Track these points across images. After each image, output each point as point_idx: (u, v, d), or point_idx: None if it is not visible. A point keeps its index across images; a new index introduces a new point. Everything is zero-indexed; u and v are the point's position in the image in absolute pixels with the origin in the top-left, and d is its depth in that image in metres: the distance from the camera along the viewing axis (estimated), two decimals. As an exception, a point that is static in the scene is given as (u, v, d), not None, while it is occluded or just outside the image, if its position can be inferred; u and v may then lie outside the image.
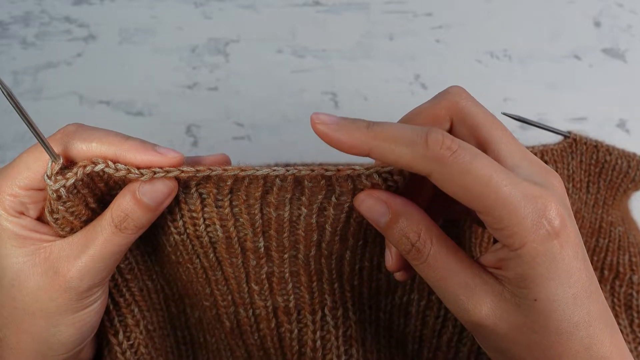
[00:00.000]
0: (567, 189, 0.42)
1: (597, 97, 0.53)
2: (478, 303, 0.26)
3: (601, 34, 0.55)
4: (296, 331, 0.33)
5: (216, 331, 0.36)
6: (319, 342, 0.33)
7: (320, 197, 0.28)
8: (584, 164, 0.41)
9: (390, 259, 0.30)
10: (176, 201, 0.29)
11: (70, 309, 0.29)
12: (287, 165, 0.49)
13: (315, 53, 0.54)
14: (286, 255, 0.31)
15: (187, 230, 0.30)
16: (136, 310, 0.34)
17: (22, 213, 0.28)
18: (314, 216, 0.29)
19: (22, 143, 0.51)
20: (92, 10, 0.56)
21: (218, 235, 0.30)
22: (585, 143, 0.40)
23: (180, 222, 0.30)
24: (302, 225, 0.30)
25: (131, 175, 0.27)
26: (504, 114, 0.39)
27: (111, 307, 0.33)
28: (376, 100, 0.53)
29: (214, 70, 0.54)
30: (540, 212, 0.24)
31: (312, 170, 0.27)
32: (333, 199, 0.28)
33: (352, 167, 0.27)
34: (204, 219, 0.30)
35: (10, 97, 0.26)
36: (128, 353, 0.33)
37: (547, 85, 0.54)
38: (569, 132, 0.41)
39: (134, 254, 0.34)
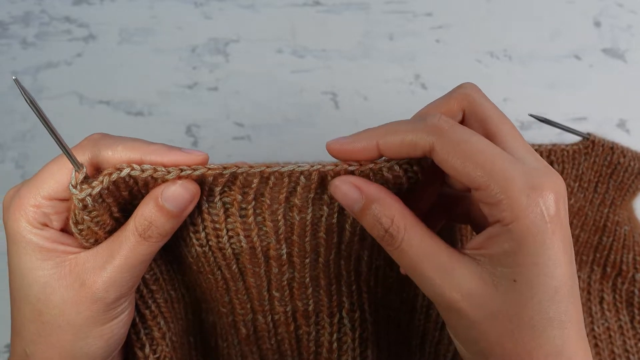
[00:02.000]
0: (573, 188, 0.42)
1: (597, 97, 0.53)
2: (453, 285, 0.25)
3: (601, 34, 0.55)
4: (314, 333, 0.33)
5: (229, 337, 0.36)
6: (335, 344, 0.33)
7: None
8: (597, 165, 0.41)
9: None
10: (199, 212, 0.29)
11: (98, 321, 0.28)
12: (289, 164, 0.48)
13: (315, 53, 0.54)
14: (307, 260, 0.31)
15: (210, 243, 0.30)
16: (162, 322, 0.33)
17: (45, 225, 0.28)
18: (335, 215, 0.29)
19: (23, 143, 0.51)
20: (92, 10, 0.56)
21: (242, 247, 0.30)
22: (603, 145, 0.41)
23: (203, 234, 0.30)
24: (324, 227, 0.30)
25: (158, 174, 0.27)
26: (530, 115, 0.39)
27: (137, 319, 0.32)
28: (376, 100, 0.53)
29: (214, 70, 0.54)
30: (538, 193, 0.24)
31: (336, 166, 0.27)
32: None
33: (374, 161, 0.27)
34: (227, 230, 0.29)
35: (34, 105, 0.26)
36: None
37: (547, 85, 0.54)
38: (589, 134, 0.41)
39: (158, 263, 0.33)
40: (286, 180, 0.27)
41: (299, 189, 0.28)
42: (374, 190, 0.27)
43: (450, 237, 0.36)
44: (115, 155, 0.28)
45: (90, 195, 0.26)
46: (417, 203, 0.29)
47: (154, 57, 0.54)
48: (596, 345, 0.43)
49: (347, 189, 0.27)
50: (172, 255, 0.33)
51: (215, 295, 0.34)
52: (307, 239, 0.30)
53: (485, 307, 0.25)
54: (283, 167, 0.27)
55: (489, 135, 0.27)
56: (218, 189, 0.28)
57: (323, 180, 0.28)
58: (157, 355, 0.32)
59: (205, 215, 0.29)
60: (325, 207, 0.29)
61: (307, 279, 0.32)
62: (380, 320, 0.36)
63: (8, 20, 0.55)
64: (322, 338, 0.34)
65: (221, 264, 0.31)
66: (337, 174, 0.27)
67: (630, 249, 0.43)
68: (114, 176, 0.27)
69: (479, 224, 0.30)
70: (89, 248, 0.28)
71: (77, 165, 0.27)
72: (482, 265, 0.25)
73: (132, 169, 0.27)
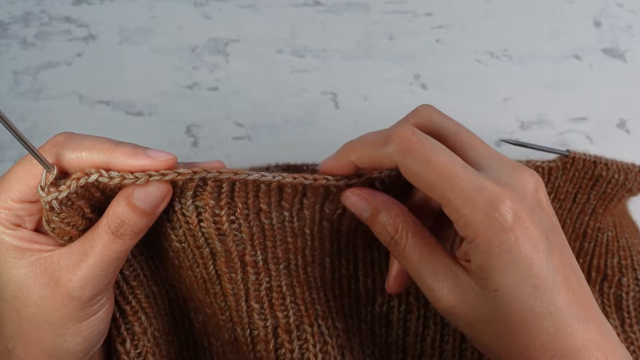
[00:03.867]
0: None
1: (597, 97, 0.53)
2: (447, 293, 0.27)
3: (601, 33, 0.55)
4: (297, 350, 0.33)
5: (219, 336, 0.36)
6: (319, 356, 0.33)
7: (296, 200, 0.30)
8: (576, 178, 0.41)
9: (390, 282, 0.32)
10: (173, 210, 0.29)
11: (75, 319, 0.28)
12: (287, 165, 0.49)
13: (315, 53, 0.54)
14: (281, 267, 0.32)
15: (188, 240, 0.30)
16: (143, 317, 0.33)
17: (18, 225, 0.28)
18: (295, 219, 0.31)
19: (22, 143, 0.51)
20: (92, 10, 0.56)
21: (217, 249, 0.30)
22: (584, 160, 0.40)
23: (181, 231, 0.30)
24: (288, 230, 0.31)
25: (126, 182, 0.27)
26: (502, 140, 0.40)
27: (118, 315, 0.32)
28: (376, 100, 0.53)
29: (214, 70, 0.54)
30: (492, 205, 0.26)
31: (295, 179, 0.29)
32: (304, 200, 0.30)
33: (326, 177, 0.29)
34: (202, 234, 0.30)
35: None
36: None
37: (547, 85, 0.54)
38: (568, 151, 0.41)
39: (139, 259, 0.33)
40: (250, 186, 0.28)
41: (260, 194, 0.29)
42: (380, 200, 0.29)
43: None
44: (80, 161, 0.28)
45: (56, 199, 0.26)
46: (423, 218, 0.31)
47: (154, 57, 0.54)
48: None
49: (356, 200, 0.30)
50: (155, 250, 0.33)
51: (199, 294, 0.34)
52: (277, 243, 0.31)
53: (477, 312, 0.27)
54: (249, 174, 0.28)
55: (449, 148, 0.28)
56: (190, 192, 0.28)
57: (281, 189, 0.29)
58: (138, 351, 0.32)
59: (180, 216, 0.29)
60: (285, 212, 0.30)
61: (284, 288, 0.32)
62: (351, 330, 0.36)
63: (8, 20, 0.55)
64: (306, 353, 0.33)
65: (199, 262, 0.31)
66: (294, 187, 0.29)
67: (615, 254, 0.43)
68: (82, 181, 0.26)
69: None
70: (64, 245, 0.29)
71: (47, 166, 0.26)
72: (471, 275, 0.27)
73: (100, 174, 0.27)
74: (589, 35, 0.55)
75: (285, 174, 0.29)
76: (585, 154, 0.40)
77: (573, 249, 0.44)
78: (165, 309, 0.35)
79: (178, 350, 0.37)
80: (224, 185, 0.28)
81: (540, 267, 0.26)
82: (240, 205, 0.29)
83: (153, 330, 0.33)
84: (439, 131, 0.30)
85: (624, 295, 0.43)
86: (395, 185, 0.31)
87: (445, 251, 0.29)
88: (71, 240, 0.29)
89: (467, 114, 0.53)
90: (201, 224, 0.29)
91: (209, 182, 0.28)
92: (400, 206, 0.29)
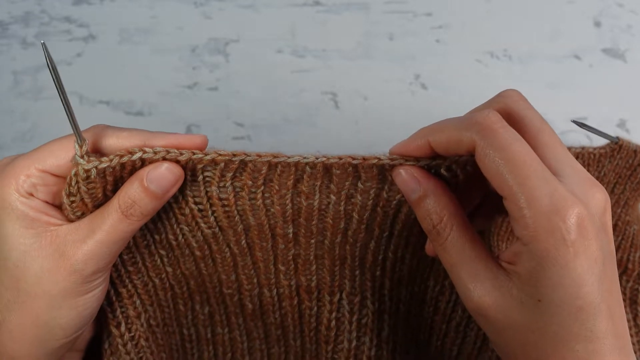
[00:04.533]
0: None
1: (597, 96, 0.53)
2: (484, 294, 0.26)
3: (601, 34, 0.55)
4: (315, 309, 0.35)
5: (233, 318, 0.37)
6: (333, 323, 0.35)
7: (347, 183, 0.30)
8: (618, 167, 0.41)
9: (429, 244, 0.31)
10: (208, 198, 0.30)
11: (73, 293, 0.29)
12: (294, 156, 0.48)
13: (315, 53, 0.54)
14: (313, 241, 0.33)
15: (220, 224, 0.32)
16: (138, 302, 0.34)
17: (31, 194, 0.29)
18: (342, 204, 0.30)
19: (23, 143, 0.51)
20: (92, 10, 0.56)
21: (250, 224, 0.32)
22: (629, 148, 0.40)
23: (212, 218, 0.31)
24: (331, 213, 0.31)
25: (170, 156, 0.28)
26: (574, 121, 0.38)
27: (114, 298, 0.33)
28: (376, 100, 0.53)
29: (214, 70, 0.54)
30: (560, 215, 0.24)
31: (340, 159, 0.28)
32: (359, 185, 0.29)
33: (378, 156, 0.28)
34: (237, 211, 0.31)
35: (55, 73, 0.27)
36: (129, 345, 0.33)
37: (547, 85, 0.54)
38: (618, 138, 0.41)
39: (142, 252, 0.34)
40: (293, 169, 0.29)
41: (305, 177, 0.29)
42: (432, 184, 0.28)
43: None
44: (118, 144, 0.29)
45: (96, 167, 0.27)
46: (471, 198, 0.30)
47: (154, 57, 0.54)
48: None
49: (408, 178, 0.28)
50: (164, 249, 0.34)
51: (221, 277, 0.35)
52: (313, 222, 0.31)
53: (511, 318, 0.26)
54: (289, 157, 0.28)
55: (528, 143, 0.27)
56: (230, 174, 0.29)
57: (328, 171, 0.29)
58: (132, 334, 0.33)
59: (215, 200, 0.30)
60: (332, 196, 0.30)
61: (312, 257, 0.33)
62: (387, 311, 0.36)
63: (8, 20, 0.55)
64: (322, 315, 0.35)
65: (230, 241, 0.33)
66: (340, 167, 0.29)
67: (638, 248, 0.43)
68: (125, 158, 0.28)
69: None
70: (73, 221, 0.29)
71: (80, 138, 0.28)
72: (513, 281, 0.26)
73: (144, 152, 0.28)
74: (589, 35, 0.55)
75: (330, 155, 0.28)
76: (630, 143, 0.40)
77: None
78: (167, 301, 0.36)
79: (180, 342, 0.37)
80: (263, 168, 0.29)
81: (590, 290, 0.25)
82: (276, 187, 0.30)
83: (148, 317, 0.35)
84: (521, 121, 0.28)
85: None
86: (460, 176, 0.29)
87: (487, 250, 0.28)
88: (82, 216, 0.30)
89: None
90: (237, 202, 0.30)
91: (249, 165, 0.29)
92: (450, 196, 0.28)
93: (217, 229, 0.32)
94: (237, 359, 0.38)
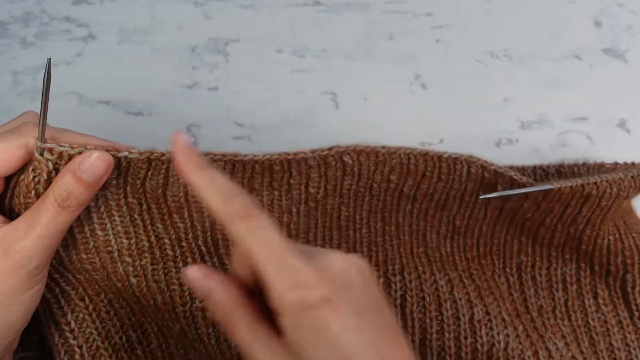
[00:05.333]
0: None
1: (598, 97, 0.53)
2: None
3: (601, 33, 0.55)
4: None
5: (205, 339, 0.37)
6: None
7: (284, 180, 0.35)
8: (563, 199, 0.40)
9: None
10: (184, 196, 0.34)
11: (21, 289, 0.30)
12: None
13: (315, 53, 0.54)
14: None
15: (191, 219, 0.35)
16: (103, 296, 0.37)
17: None
18: (283, 198, 0.36)
19: (22, 143, 0.51)
20: (92, 10, 0.56)
21: (215, 220, 0.36)
22: (572, 188, 0.38)
23: (186, 213, 0.35)
24: (276, 207, 0.36)
25: (154, 156, 0.32)
26: (482, 197, 0.38)
27: (57, 291, 0.36)
28: (376, 100, 0.53)
29: (213, 70, 0.54)
30: (298, 286, 0.26)
31: (279, 155, 0.34)
32: (291, 181, 0.35)
33: (304, 151, 0.35)
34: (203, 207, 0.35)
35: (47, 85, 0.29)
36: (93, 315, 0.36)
37: (548, 85, 0.54)
38: (553, 184, 0.39)
39: (103, 256, 0.35)
40: (247, 166, 0.34)
41: (255, 174, 0.35)
42: (213, 281, 0.29)
43: None
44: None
45: (67, 152, 0.30)
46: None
47: (153, 57, 0.54)
48: (591, 337, 0.43)
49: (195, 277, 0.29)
50: (130, 256, 0.35)
51: (191, 290, 0.36)
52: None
53: None
54: (245, 156, 0.33)
55: None
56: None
57: (270, 169, 0.34)
58: (95, 309, 0.36)
59: (190, 198, 0.34)
60: (275, 191, 0.36)
61: None
62: None
63: (8, 20, 0.55)
64: None
65: (199, 237, 0.36)
66: (282, 165, 0.35)
67: (619, 254, 0.43)
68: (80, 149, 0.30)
69: None
70: (7, 223, 0.31)
71: (43, 137, 0.30)
72: (288, 347, 0.27)
73: (131, 152, 0.32)
74: (589, 35, 0.55)
75: (274, 152, 0.33)
76: (571, 184, 0.38)
77: (570, 250, 0.44)
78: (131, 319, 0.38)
79: (161, 334, 0.38)
80: (226, 167, 0.33)
81: (347, 342, 0.26)
82: (237, 182, 0.34)
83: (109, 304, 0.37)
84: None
85: (629, 289, 0.44)
86: None
87: (269, 327, 0.28)
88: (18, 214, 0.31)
89: (467, 114, 0.53)
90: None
91: (216, 160, 0.33)
92: (232, 286, 0.29)
93: (189, 223, 0.35)
94: None
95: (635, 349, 0.43)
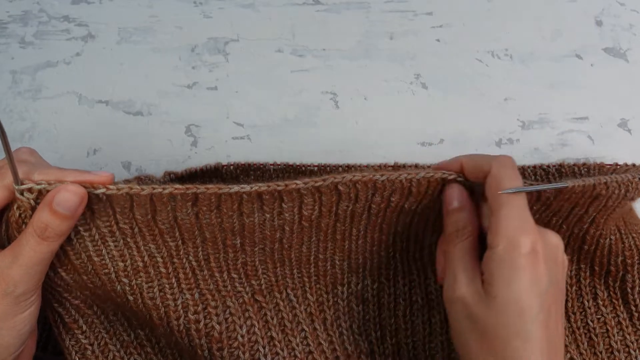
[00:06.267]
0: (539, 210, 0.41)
1: (599, 96, 0.53)
2: (464, 286, 0.33)
3: (603, 33, 0.55)
4: (272, 308, 0.41)
5: (199, 351, 0.39)
6: (290, 315, 0.41)
7: (275, 204, 0.36)
8: (574, 198, 0.39)
9: (439, 274, 0.38)
10: (174, 219, 0.36)
11: (9, 314, 0.32)
12: (286, 165, 0.49)
13: (315, 53, 0.54)
14: (256, 249, 0.39)
15: (182, 237, 0.37)
16: (96, 307, 0.39)
17: None
18: (275, 219, 0.37)
19: (21, 143, 0.51)
20: (91, 9, 0.55)
21: (206, 237, 0.37)
22: (584, 186, 0.38)
23: (177, 233, 0.37)
24: (268, 226, 0.37)
25: (133, 191, 0.33)
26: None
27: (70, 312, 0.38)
28: (376, 100, 0.53)
29: (213, 70, 0.53)
30: (523, 233, 0.32)
31: (269, 187, 0.35)
32: (284, 205, 0.36)
33: (295, 182, 0.36)
34: (197, 227, 0.37)
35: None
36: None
37: (549, 85, 0.53)
38: (567, 183, 0.39)
39: (102, 277, 0.37)
40: (234, 196, 0.35)
41: (243, 202, 0.36)
42: (469, 202, 0.36)
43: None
44: (35, 179, 0.33)
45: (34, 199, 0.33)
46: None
47: (153, 57, 0.54)
48: (590, 339, 0.43)
49: (457, 192, 0.36)
50: (127, 277, 0.37)
51: (185, 302, 0.38)
52: (255, 234, 0.38)
53: (474, 310, 0.33)
54: (230, 188, 0.35)
55: None
56: (189, 202, 0.35)
57: (260, 196, 0.36)
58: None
59: (179, 222, 0.36)
60: (266, 214, 0.37)
61: (257, 262, 0.40)
62: (325, 303, 0.42)
63: (6, 20, 0.55)
64: (280, 312, 0.41)
65: (190, 253, 0.38)
66: (268, 193, 0.36)
67: (619, 254, 0.43)
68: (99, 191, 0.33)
69: None
70: None
71: (18, 181, 0.32)
72: (484, 282, 0.33)
73: (108, 189, 0.33)
74: (591, 34, 0.55)
75: (261, 184, 0.35)
76: (584, 183, 0.38)
77: (572, 250, 0.44)
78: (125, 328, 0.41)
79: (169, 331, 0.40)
80: (212, 197, 0.35)
81: (531, 298, 0.31)
82: (224, 210, 0.36)
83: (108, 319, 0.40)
84: None
85: (629, 290, 0.44)
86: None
87: (477, 258, 0.35)
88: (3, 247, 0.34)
89: (467, 113, 0.53)
90: (197, 222, 0.36)
91: (200, 196, 0.35)
92: (475, 213, 0.36)
93: (180, 241, 0.37)
94: None
95: (635, 350, 0.43)
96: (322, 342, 0.41)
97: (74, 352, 0.39)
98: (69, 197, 0.32)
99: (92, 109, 0.52)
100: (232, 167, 0.49)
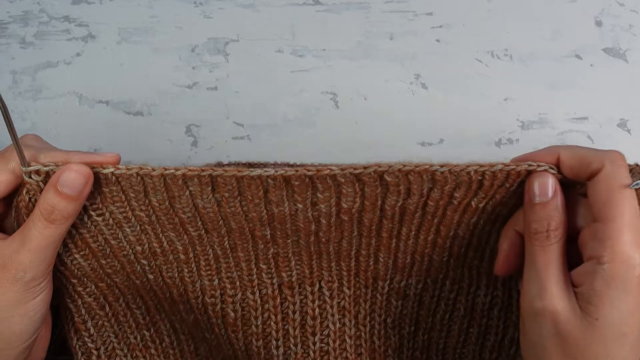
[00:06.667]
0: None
1: (598, 96, 0.53)
2: (555, 298, 0.30)
3: (602, 33, 0.55)
4: (298, 303, 0.38)
5: (216, 329, 0.39)
6: (317, 310, 0.38)
7: (308, 193, 0.32)
8: None
9: (499, 263, 0.35)
10: (194, 208, 0.33)
11: (21, 300, 0.32)
12: (287, 165, 0.49)
13: (315, 53, 0.54)
14: (289, 240, 0.36)
15: (205, 227, 0.35)
16: (117, 291, 0.38)
17: None
18: (309, 210, 0.33)
19: (21, 143, 0.51)
20: (91, 9, 0.55)
21: (232, 227, 0.35)
22: None
23: (199, 223, 0.34)
24: (301, 217, 0.34)
25: (143, 172, 0.32)
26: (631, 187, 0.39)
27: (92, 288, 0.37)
28: (376, 100, 0.53)
29: (213, 70, 0.54)
30: (637, 251, 0.28)
31: (296, 171, 0.31)
32: (318, 195, 0.32)
33: (330, 167, 0.31)
34: (221, 217, 0.34)
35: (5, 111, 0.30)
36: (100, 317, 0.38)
37: (548, 85, 0.54)
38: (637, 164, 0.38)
39: (120, 260, 0.36)
40: (258, 181, 0.32)
41: (270, 188, 0.32)
42: (561, 197, 0.31)
43: None
44: (41, 161, 0.32)
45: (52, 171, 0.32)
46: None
47: (153, 57, 0.54)
48: None
49: (550, 183, 0.31)
50: (146, 258, 0.36)
51: (202, 286, 0.37)
52: (287, 225, 0.34)
53: (566, 328, 0.29)
54: (252, 171, 0.31)
55: None
56: (209, 188, 0.32)
57: (288, 182, 0.32)
58: (113, 311, 0.39)
59: (201, 210, 0.33)
60: (298, 204, 0.33)
61: (290, 254, 0.37)
62: (362, 297, 0.39)
63: (7, 20, 0.55)
64: (305, 307, 0.38)
65: (214, 242, 0.36)
66: (298, 178, 0.31)
67: None
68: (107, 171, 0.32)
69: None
70: (4, 239, 0.33)
71: (24, 162, 0.32)
72: (579, 297, 0.29)
73: (117, 168, 0.32)
74: (590, 34, 0.55)
75: (287, 168, 0.32)
76: None
77: None
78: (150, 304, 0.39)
79: (173, 333, 0.40)
80: (233, 181, 0.32)
81: (636, 322, 0.29)
82: (249, 197, 0.32)
83: (127, 300, 0.39)
84: None
85: None
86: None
87: (566, 264, 0.31)
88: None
89: (467, 114, 0.53)
90: (220, 210, 0.33)
91: (219, 180, 0.32)
92: (565, 211, 0.31)
93: (203, 231, 0.35)
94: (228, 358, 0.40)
95: None
96: (348, 338, 0.39)
97: (80, 354, 0.39)
98: (74, 177, 0.31)
99: (93, 109, 0.52)
100: (232, 167, 0.49)
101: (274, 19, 0.55)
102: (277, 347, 0.38)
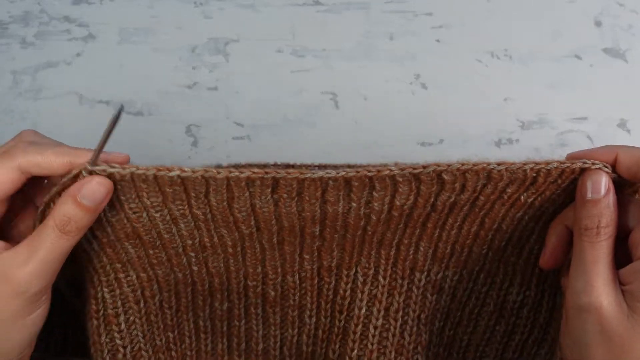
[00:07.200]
0: None
1: (598, 97, 0.53)
2: (602, 295, 0.29)
3: (602, 33, 0.55)
4: (333, 283, 0.39)
5: (252, 308, 0.40)
6: (348, 292, 0.39)
7: (365, 192, 0.33)
8: None
9: (546, 256, 0.35)
10: (251, 208, 0.34)
11: (22, 314, 0.31)
12: (287, 165, 0.49)
13: (315, 53, 0.54)
14: (336, 235, 0.37)
15: (258, 225, 0.35)
16: (156, 287, 0.38)
17: None
18: (362, 208, 0.34)
19: (22, 143, 0.51)
20: (92, 9, 0.55)
21: (283, 225, 0.35)
22: None
23: (253, 222, 0.35)
24: (352, 215, 0.35)
25: (208, 174, 0.32)
26: None
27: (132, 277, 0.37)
28: (376, 100, 0.53)
29: (213, 70, 0.54)
30: None
31: (357, 172, 0.32)
32: (374, 193, 0.33)
33: (389, 167, 0.32)
34: (275, 216, 0.34)
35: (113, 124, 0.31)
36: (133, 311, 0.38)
37: (548, 85, 0.54)
38: None
39: (169, 252, 0.37)
40: (318, 182, 0.32)
41: (329, 188, 0.33)
42: (613, 195, 0.31)
43: None
44: (44, 160, 0.31)
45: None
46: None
47: (153, 57, 0.54)
48: None
49: (604, 182, 0.31)
50: (194, 251, 0.37)
51: (246, 273, 0.39)
52: (338, 222, 0.35)
53: (611, 325, 0.29)
54: (314, 173, 0.32)
55: None
56: (269, 189, 0.33)
57: (348, 182, 0.33)
58: (146, 308, 0.39)
59: (257, 210, 0.34)
60: (353, 203, 0.34)
61: (334, 246, 0.38)
62: (398, 289, 0.39)
63: (7, 20, 0.55)
64: (338, 287, 0.39)
65: (264, 238, 0.36)
66: (358, 179, 0.32)
67: None
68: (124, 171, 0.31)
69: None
70: (8, 249, 0.31)
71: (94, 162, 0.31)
72: (627, 295, 0.29)
73: (183, 171, 0.32)
74: (590, 35, 0.55)
75: (348, 169, 0.32)
76: None
77: None
78: (187, 294, 0.40)
79: (195, 330, 0.41)
80: (293, 183, 0.32)
81: None
82: (307, 197, 0.33)
83: (161, 299, 0.39)
84: None
85: None
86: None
87: (615, 261, 0.31)
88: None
89: (467, 114, 0.53)
90: (276, 210, 0.34)
91: (281, 182, 0.32)
92: (617, 210, 0.32)
93: (255, 229, 0.35)
94: (250, 347, 0.41)
95: None
96: (372, 328, 0.39)
97: (106, 351, 0.38)
98: (96, 189, 0.30)
99: (93, 109, 0.53)
100: (226, 168, 0.49)
101: (274, 19, 0.55)
102: (310, 317, 0.40)
